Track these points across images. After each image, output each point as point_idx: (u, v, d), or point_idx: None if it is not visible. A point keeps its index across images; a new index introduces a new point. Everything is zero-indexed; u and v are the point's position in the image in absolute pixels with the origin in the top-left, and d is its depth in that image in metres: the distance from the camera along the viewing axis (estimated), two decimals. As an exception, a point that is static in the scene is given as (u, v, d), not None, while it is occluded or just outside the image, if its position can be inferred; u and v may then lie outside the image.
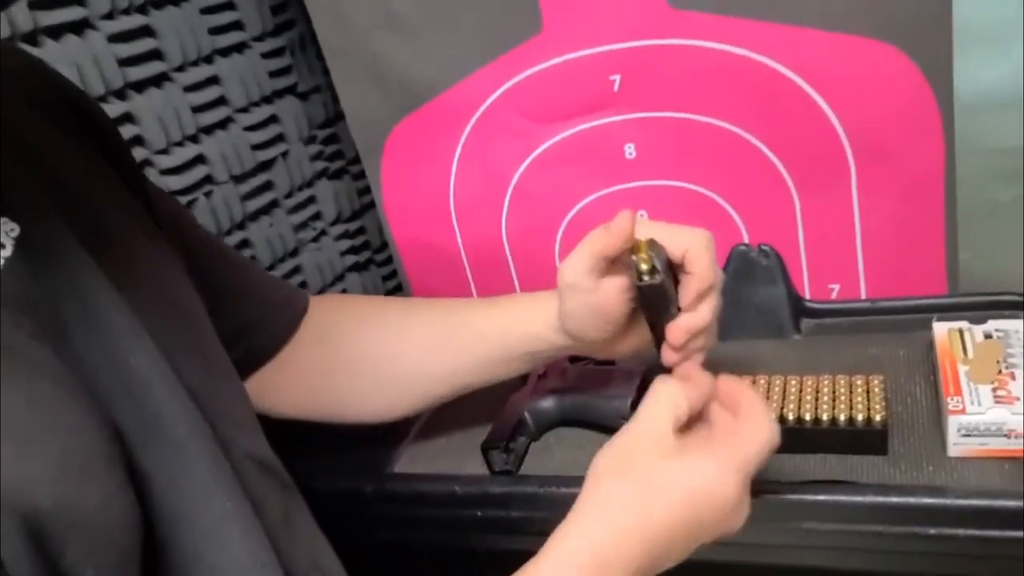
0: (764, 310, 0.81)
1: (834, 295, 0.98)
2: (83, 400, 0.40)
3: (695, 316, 0.57)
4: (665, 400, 0.52)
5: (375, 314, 0.72)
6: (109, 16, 0.93)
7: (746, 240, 1.00)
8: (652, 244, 0.54)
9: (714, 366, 0.59)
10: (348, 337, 0.70)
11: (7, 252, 0.41)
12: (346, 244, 1.32)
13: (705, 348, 0.60)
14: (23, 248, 0.41)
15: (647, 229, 0.56)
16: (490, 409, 0.76)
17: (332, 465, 0.77)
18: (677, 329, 0.57)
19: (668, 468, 0.49)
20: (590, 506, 0.49)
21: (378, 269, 1.40)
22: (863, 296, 0.97)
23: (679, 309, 0.57)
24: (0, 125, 0.46)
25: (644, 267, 0.54)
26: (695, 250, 0.55)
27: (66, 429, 0.37)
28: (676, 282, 0.58)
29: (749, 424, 0.51)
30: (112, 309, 0.44)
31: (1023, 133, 1.00)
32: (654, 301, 0.57)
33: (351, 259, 1.33)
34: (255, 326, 0.67)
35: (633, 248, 0.55)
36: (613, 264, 0.58)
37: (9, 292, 0.40)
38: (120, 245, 0.49)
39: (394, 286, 1.39)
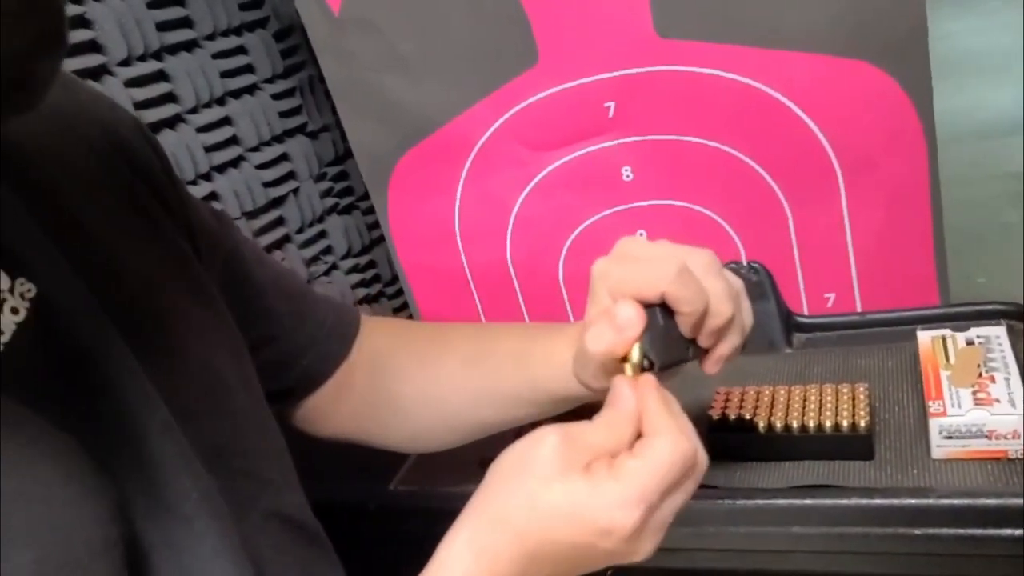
0: (755, 325, 0.83)
1: (830, 304, 0.99)
2: (84, 479, 0.39)
3: (716, 351, 0.54)
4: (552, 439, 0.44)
5: (414, 356, 0.70)
6: (126, 63, 0.98)
7: (743, 254, 1.02)
8: (643, 333, 0.48)
9: (704, 380, 0.60)
10: (391, 375, 0.69)
11: (20, 317, 0.39)
12: (357, 277, 1.35)
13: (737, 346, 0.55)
14: (38, 311, 0.40)
15: (605, 270, 0.52)
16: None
17: (335, 481, 0.79)
18: (708, 367, 0.54)
19: (556, 491, 0.42)
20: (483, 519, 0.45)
21: (389, 301, 1.43)
22: (858, 304, 0.98)
23: (696, 344, 0.53)
24: (28, 177, 0.44)
25: (631, 371, 0.48)
26: (670, 289, 0.49)
27: (52, 525, 0.36)
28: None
29: (651, 449, 0.43)
30: (127, 377, 0.43)
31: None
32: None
33: (362, 292, 1.36)
34: (308, 351, 0.67)
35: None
36: None
37: (19, 362, 0.38)
38: (146, 306, 0.48)
39: (405, 317, 1.42)
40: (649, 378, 0.47)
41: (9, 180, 0.43)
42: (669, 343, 0.50)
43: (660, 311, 0.50)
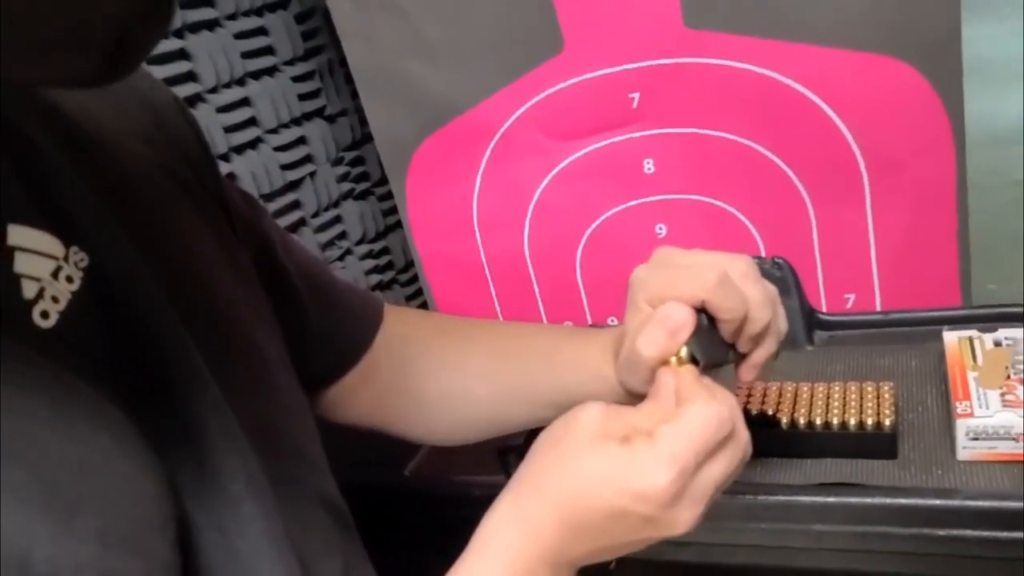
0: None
1: (849, 305, 0.99)
2: (139, 454, 0.38)
3: (753, 356, 0.55)
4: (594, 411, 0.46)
5: (439, 350, 0.69)
6: (147, 40, 0.97)
7: (763, 252, 1.01)
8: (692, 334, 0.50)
9: (725, 374, 0.60)
10: (414, 368, 0.69)
11: (75, 286, 0.39)
12: (371, 264, 1.34)
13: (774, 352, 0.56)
14: (92, 281, 0.40)
15: (644, 278, 0.53)
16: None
17: (348, 466, 0.78)
18: (744, 374, 0.56)
19: (589, 458, 0.43)
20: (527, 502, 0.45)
21: (402, 288, 1.43)
22: (878, 306, 0.97)
23: (735, 349, 0.54)
24: (84, 148, 0.44)
25: (676, 363, 0.50)
26: (711, 297, 0.50)
27: (113, 497, 0.36)
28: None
29: (684, 414, 0.43)
30: (178, 352, 0.42)
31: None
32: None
33: (375, 278, 1.35)
34: (334, 340, 0.66)
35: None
36: None
37: (74, 333, 0.38)
38: (194, 279, 0.47)
39: (418, 305, 1.42)
40: (690, 367, 0.48)
41: (66, 150, 0.42)
42: (712, 345, 0.52)
43: (703, 314, 0.51)
